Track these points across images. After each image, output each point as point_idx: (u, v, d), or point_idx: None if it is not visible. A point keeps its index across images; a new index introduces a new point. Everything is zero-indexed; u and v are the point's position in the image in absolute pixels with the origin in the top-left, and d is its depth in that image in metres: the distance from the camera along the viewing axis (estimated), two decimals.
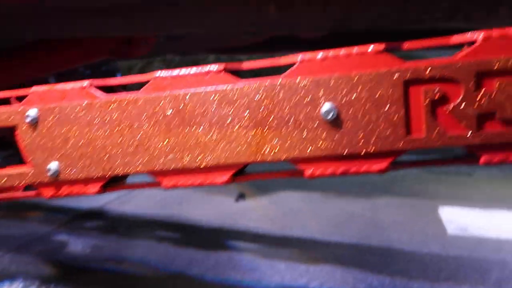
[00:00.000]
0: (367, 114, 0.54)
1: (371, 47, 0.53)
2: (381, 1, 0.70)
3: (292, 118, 0.56)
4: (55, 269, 1.46)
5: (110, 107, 0.62)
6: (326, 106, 0.55)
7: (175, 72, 0.61)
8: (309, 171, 0.58)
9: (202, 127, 0.59)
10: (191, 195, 2.10)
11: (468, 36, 0.51)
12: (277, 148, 0.57)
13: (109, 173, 0.63)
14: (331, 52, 0.55)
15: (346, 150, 0.55)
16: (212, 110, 0.59)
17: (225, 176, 0.61)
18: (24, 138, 0.65)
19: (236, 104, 0.58)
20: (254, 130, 0.58)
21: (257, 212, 1.90)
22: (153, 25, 0.82)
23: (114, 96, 0.62)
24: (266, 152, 0.58)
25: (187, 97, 0.59)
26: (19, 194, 0.71)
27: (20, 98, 0.68)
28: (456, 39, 0.52)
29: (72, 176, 0.65)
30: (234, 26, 0.80)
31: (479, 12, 0.70)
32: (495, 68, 0.49)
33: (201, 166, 0.60)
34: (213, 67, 0.59)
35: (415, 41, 0.54)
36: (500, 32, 0.49)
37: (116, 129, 0.62)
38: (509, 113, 0.50)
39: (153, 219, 1.88)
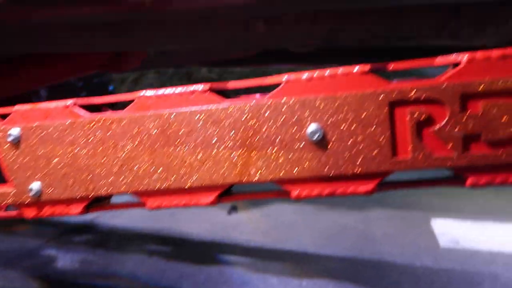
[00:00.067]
0: (353, 135, 0.53)
1: (356, 68, 0.53)
2: (369, 19, 0.70)
3: (278, 138, 0.56)
4: (44, 285, 1.44)
5: (94, 127, 0.61)
6: (312, 127, 0.54)
7: (160, 91, 0.60)
8: (295, 192, 0.57)
9: (187, 147, 0.58)
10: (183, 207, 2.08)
11: (453, 57, 0.51)
12: (263, 169, 0.56)
13: (92, 193, 0.62)
14: (316, 73, 0.55)
15: (332, 171, 0.54)
16: (197, 130, 0.58)
17: (210, 197, 0.60)
18: (5, 158, 0.64)
19: (221, 124, 0.57)
20: (240, 151, 0.57)
21: (250, 224, 1.88)
22: (141, 42, 0.82)
23: (98, 116, 0.62)
24: (251, 173, 0.57)
25: (172, 117, 0.59)
26: (1, 213, 0.69)
27: (2, 116, 0.67)
28: (440, 60, 0.52)
29: (54, 196, 0.63)
30: (223, 42, 0.79)
31: (466, 30, 0.70)
32: (480, 90, 0.49)
33: (186, 187, 0.59)
34: (198, 86, 0.58)
35: (400, 62, 0.54)
36: (484, 54, 0.49)
37: (100, 149, 0.61)
38: (494, 135, 0.49)
39: (144, 233, 1.86)
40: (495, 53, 0.49)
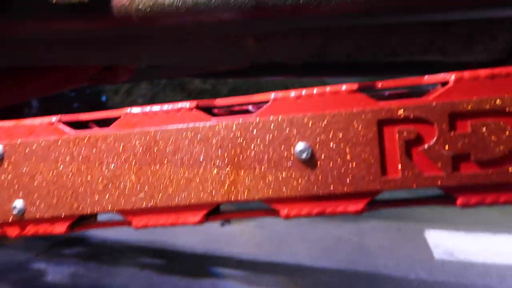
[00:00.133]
0: (342, 154, 0.52)
1: (344, 87, 0.52)
2: (357, 34, 0.70)
3: (266, 157, 0.55)
4: None
5: (79, 144, 0.60)
6: (300, 146, 0.53)
7: (146, 108, 0.59)
8: (284, 211, 0.56)
9: (173, 165, 0.57)
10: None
11: (440, 77, 0.51)
12: (251, 188, 0.55)
13: (77, 212, 0.61)
14: (304, 91, 0.54)
15: (321, 191, 0.53)
16: (184, 147, 0.57)
17: (198, 216, 0.58)
18: None
19: (208, 142, 0.56)
20: (227, 169, 0.56)
21: (243, 236, 1.86)
22: (129, 56, 0.81)
23: (83, 133, 0.60)
24: (239, 192, 0.56)
25: (158, 134, 0.57)
26: None
27: None
28: (428, 79, 0.52)
29: (38, 214, 0.62)
30: (211, 57, 0.79)
31: (454, 45, 0.70)
32: (469, 109, 0.49)
33: (173, 205, 0.58)
34: (185, 104, 0.58)
35: (388, 80, 0.53)
36: (472, 73, 0.49)
37: (85, 167, 0.60)
38: (484, 155, 0.49)
39: (136, 245, 1.83)
40: (483, 72, 0.49)
